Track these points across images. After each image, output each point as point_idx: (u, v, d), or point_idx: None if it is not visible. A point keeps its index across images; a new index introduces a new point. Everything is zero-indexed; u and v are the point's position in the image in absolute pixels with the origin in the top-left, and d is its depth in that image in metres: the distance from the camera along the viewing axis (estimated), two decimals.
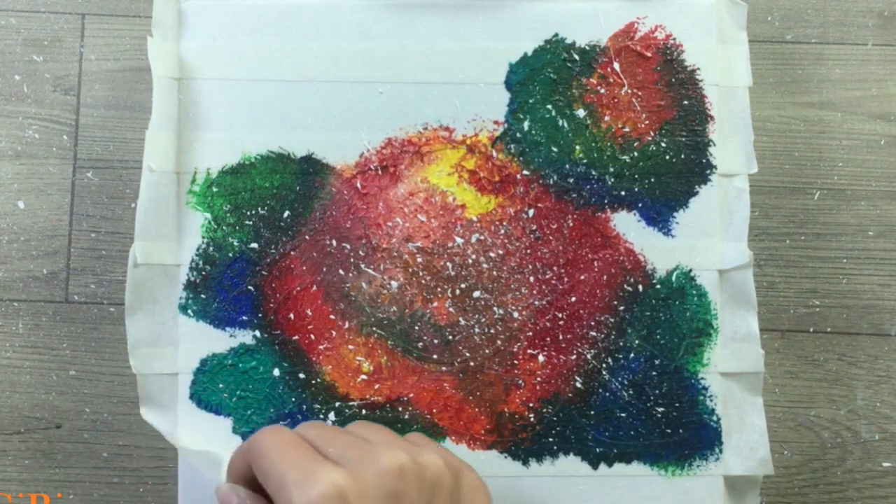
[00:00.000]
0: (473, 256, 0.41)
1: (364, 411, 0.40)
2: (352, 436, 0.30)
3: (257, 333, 0.40)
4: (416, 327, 0.41)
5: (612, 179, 0.42)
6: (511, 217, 0.41)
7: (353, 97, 0.42)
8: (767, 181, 0.44)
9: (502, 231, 0.41)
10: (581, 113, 0.42)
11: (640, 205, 0.42)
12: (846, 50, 0.45)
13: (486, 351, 0.41)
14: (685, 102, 0.42)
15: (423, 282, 0.41)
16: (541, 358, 0.41)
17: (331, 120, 0.42)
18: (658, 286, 0.41)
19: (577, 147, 0.42)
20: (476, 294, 0.41)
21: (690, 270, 0.41)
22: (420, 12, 0.42)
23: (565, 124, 0.42)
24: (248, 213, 0.41)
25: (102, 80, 0.45)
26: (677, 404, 0.41)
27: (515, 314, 0.41)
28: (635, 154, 0.42)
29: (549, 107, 0.42)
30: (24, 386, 0.43)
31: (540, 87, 0.42)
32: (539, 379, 0.41)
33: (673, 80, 0.42)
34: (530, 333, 0.41)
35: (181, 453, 0.39)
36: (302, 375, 0.40)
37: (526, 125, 0.42)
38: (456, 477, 0.29)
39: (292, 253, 0.41)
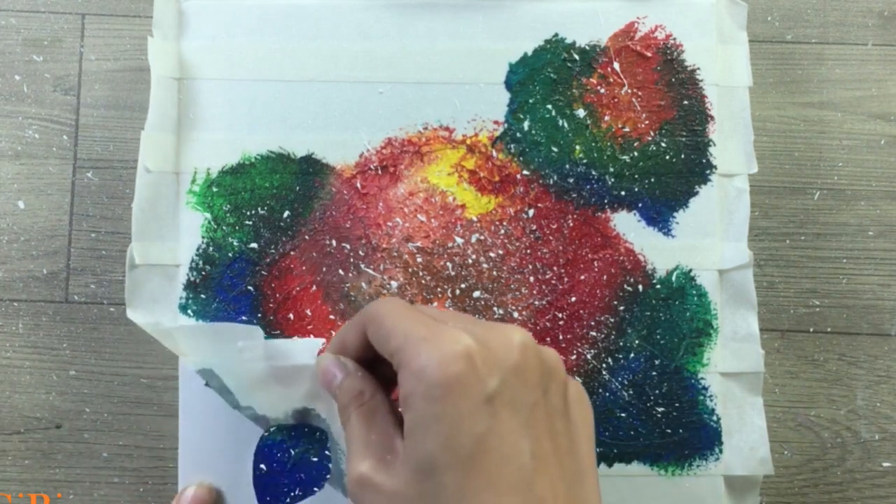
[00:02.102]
0: (473, 256, 0.41)
1: (321, 440, 0.40)
2: (472, 317, 0.30)
3: (212, 379, 0.40)
4: None
5: (612, 179, 0.42)
6: (511, 217, 0.41)
7: (353, 97, 0.42)
8: (767, 181, 0.44)
9: (502, 231, 0.41)
10: (581, 113, 0.42)
11: (640, 205, 0.42)
12: (846, 50, 0.45)
13: None
14: (685, 102, 0.42)
15: (423, 282, 0.41)
16: None
17: (331, 120, 0.42)
18: (658, 286, 0.41)
19: (577, 147, 0.42)
20: (476, 294, 0.41)
21: (690, 270, 0.41)
22: (420, 12, 0.42)
23: (565, 124, 0.42)
24: (248, 213, 0.41)
25: (102, 80, 0.45)
26: (677, 404, 0.41)
27: (515, 314, 0.41)
28: (635, 154, 0.42)
29: (549, 107, 0.42)
30: (24, 386, 0.43)
31: (540, 87, 0.42)
32: None
33: (673, 80, 0.42)
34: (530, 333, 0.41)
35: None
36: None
37: (526, 125, 0.42)
38: (567, 377, 0.29)
39: (292, 253, 0.41)
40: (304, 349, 0.37)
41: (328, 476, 0.39)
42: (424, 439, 0.25)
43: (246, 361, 0.37)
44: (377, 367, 0.32)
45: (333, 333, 0.40)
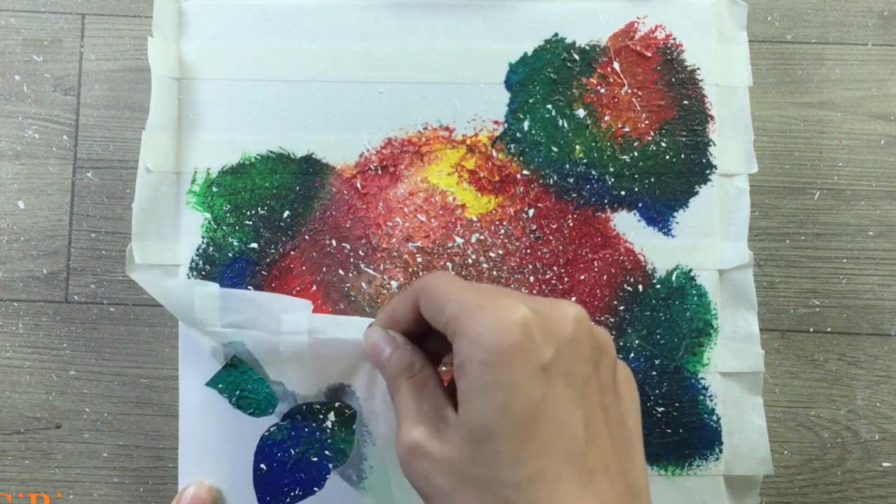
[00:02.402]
0: (473, 256, 0.41)
1: (348, 418, 0.40)
2: (525, 294, 0.30)
3: (236, 354, 0.40)
4: None
5: (612, 179, 0.42)
6: (511, 217, 0.41)
7: (353, 97, 0.42)
8: (767, 181, 0.44)
9: (502, 231, 0.41)
10: (581, 113, 0.42)
11: (640, 205, 0.42)
12: (846, 50, 0.45)
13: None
14: (685, 102, 0.42)
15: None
16: None
17: (331, 120, 0.42)
18: (658, 286, 0.41)
19: (577, 147, 0.42)
20: None
21: (690, 270, 0.41)
22: (420, 12, 0.42)
23: (565, 124, 0.42)
24: (248, 213, 0.41)
25: (102, 80, 0.45)
26: (677, 404, 0.40)
27: None
28: (635, 154, 0.42)
29: (549, 107, 0.42)
30: (24, 386, 0.43)
31: (540, 87, 0.42)
32: None
33: (673, 79, 0.42)
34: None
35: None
36: (291, 388, 0.40)
37: (526, 125, 0.42)
38: (616, 357, 0.29)
39: (292, 253, 0.41)
40: (351, 325, 0.36)
41: (346, 458, 0.39)
42: (480, 405, 0.25)
43: (285, 334, 0.37)
44: (424, 344, 0.32)
45: None
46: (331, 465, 0.39)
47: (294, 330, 0.37)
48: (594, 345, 0.28)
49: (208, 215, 0.41)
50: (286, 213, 0.41)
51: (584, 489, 0.25)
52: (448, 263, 0.41)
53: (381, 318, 0.33)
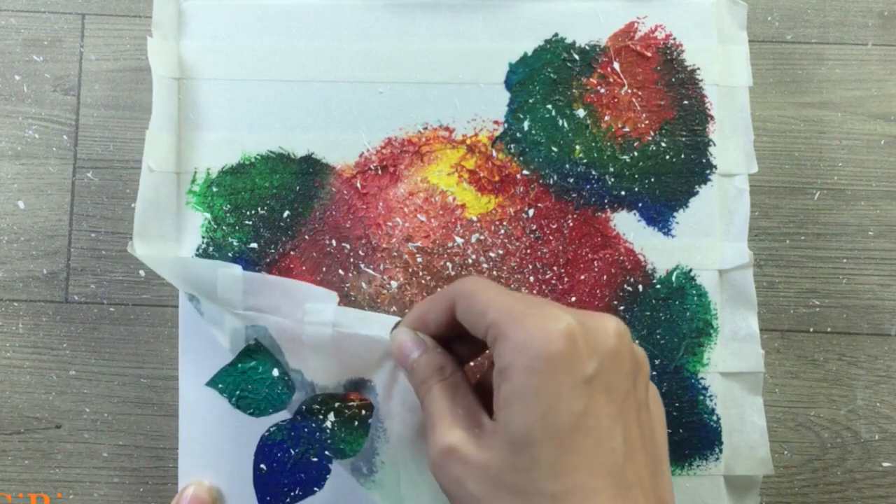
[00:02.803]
0: (473, 256, 0.41)
1: (364, 411, 0.40)
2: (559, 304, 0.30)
3: (257, 338, 0.40)
4: None
5: (612, 179, 0.42)
6: (511, 217, 0.41)
7: (353, 97, 0.42)
8: (767, 181, 0.44)
9: (502, 231, 0.41)
10: (581, 113, 0.42)
11: (640, 205, 0.42)
12: (846, 50, 0.45)
13: (487, 351, 0.41)
14: (685, 102, 0.42)
15: (423, 282, 0.41)
16: None
17: (331, 120, 0.42)
18: (658, 286, 0.41)
19: (577, 147, 0.42)
20: None
21: (690, 270, 0.41)
22: (420, 12, 0.42)
23: (565, 124, 0.42)
24: (248, 213, 0.41)
25: (102, 80, 0.45)
26: (677, 404, 0.40)
27: None
28: (635, 154, 0.42)
29: (549, 107, 0.42)
30: (24, 386, 0.43)
31: (540, 87, 0.42)
32: None
33: (673, 79, 0.42)
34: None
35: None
36: (294, 384, 0.40)
37: (526, 125, 0.42)
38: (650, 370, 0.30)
39: (292, 253, 0.41)
40: (376, 322, 0.36)
41: (358, 450, 0.39)
42: (522, 412, 0.25)
43: (309, 324, 0.37)
44: (451, 349, 0.32)
45: None
46: (341, 458, 0.39)
47: (318, 321, 0.37)
48: (633, 360, 0.28)
49: (208, 215, 0.41)
50: (286, 213, 0.41)
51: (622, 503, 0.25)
52: (448, 263, 0.41)
53: (409, 320, 0.33)
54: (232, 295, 0.38)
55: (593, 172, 0.42)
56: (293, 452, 0.40)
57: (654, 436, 0.28)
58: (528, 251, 0.41)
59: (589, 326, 0.27)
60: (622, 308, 0.41)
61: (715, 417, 0.40)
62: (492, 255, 0.41)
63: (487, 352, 0.35)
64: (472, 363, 0.37)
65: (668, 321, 0.41)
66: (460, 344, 0.32)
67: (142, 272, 0.43)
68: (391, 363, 0.36)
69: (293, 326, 0.37)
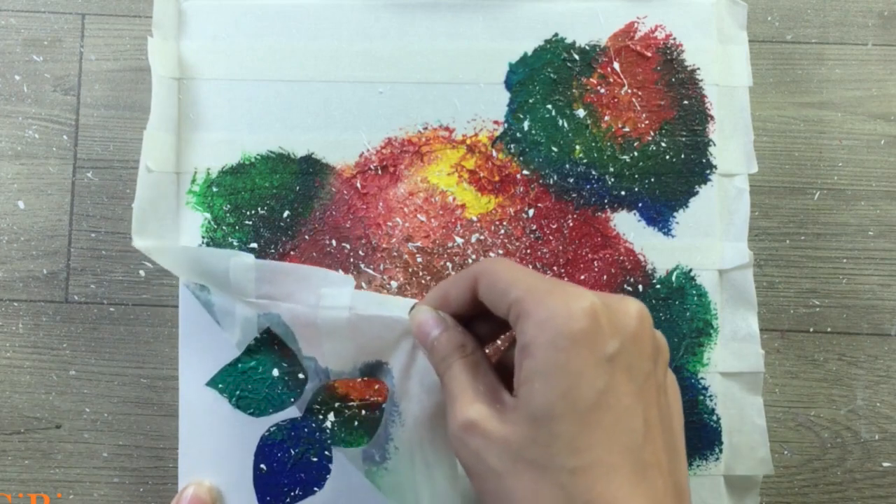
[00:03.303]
0: (473, 256, 0.41)
1: (364, 411, 0.40)
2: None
3: (264, 332, 0.40)
4: None
5: (612, 179, 0.42)
6: (511, 217, 0.41)
7: (353, 97, 0.42)
8: (767, 181, 0.44)
9: (502, 231, 0.41)
10: (581, 113, 0.42)
11: (640, 205, 0.42)
12: (846, 50, 0.45)
13: (506, 334, 0.41)
14: (685, 102, 0.42)
15: (422, 282, 0.41)
16: None
17: (331, 120, 0.42)
18: (658, 286, 0.41)
19: (577, 147, 0.42)
20: None
21: (690, 270, 0.41)
22: (420, 12, 0.42)
23: (565, 124, 0.42)
24: (248, 213, 0.41)
25: (102, 80, 0.45)
26: None
27: None
28: (635, 154, 0.42)
29: (549, 107, 0.42)
30: (24, 386, 0.43)
31: (540, 87, 0.42)
32: None
33: (673, 79, 0.42)
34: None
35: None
36: (301, 376, 0.40)
37: (526, 125, 0.42)
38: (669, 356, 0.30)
39: (292, 253, 0.41)
40: (394, 304, 0.36)
41: (370, 438, 0.39)
42: (544, 387, 0.25)
43: (324, 308, 0.37)
44: (472, 329, 0.32)
45: None
46: (352, 447, 0.39)
47: (334, 305, 0.37)
48: (654, 343, 0.28)
49: (208, 215, 0.41)
50: (286, 213, 0.41)
51: (638, 483, 0.25)
52: (448, 263, 0.41)
53: (430, 299, 0.33)
54: (245, 283, 0.38)
55: (593, 172, 0.42)
56: (293, 452, 0.40)
57: (671, 421, 0.28)
58: (528, 251, 0.41)
59: (612, 307, 0.27)
60: None
61: (715, 417, 0.40)
62: (492, 255, 0.41)
63: (506, 334, 0.36)
64: (491, 344, 0.37)
65: (668, 321, 0.41)
66: (480, 324, 0.32)
67: (142, 272, 0.43)
68: (409, 344, 0.35)
69: (308, 312, 0.37)
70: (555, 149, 0.42)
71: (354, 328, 0.36)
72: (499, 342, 0.40)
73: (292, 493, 0.40)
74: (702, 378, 0.41)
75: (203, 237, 0.41)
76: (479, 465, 0.27)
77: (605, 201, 0.42)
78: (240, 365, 0.40)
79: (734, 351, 0.41)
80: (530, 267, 0.41)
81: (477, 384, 0.29)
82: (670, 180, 0.42)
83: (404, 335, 0.35)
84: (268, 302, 0.38)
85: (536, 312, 0.26)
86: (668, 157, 0.42)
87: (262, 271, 0.38)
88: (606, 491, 0.25)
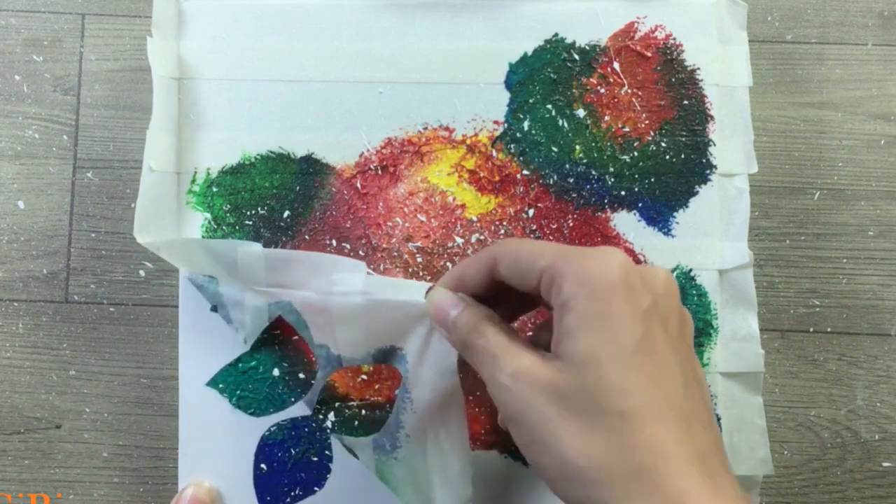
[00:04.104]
0: None
1: (364, 411, 0.40)
2: None
3: (281, 313, 0.40)
4: None
5: (612, 179, 0.42)
6: (511, 217, 0.41)
7: (353, 97, 0.42)
8: (767, 181, 0.44)
9: (502, 231, 0.41)
10: (581, 113, 0.42)
11: (640, 205, 0.42)
12: (846, 50, 0.45)
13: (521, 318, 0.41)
14: (685, 102, 0.42)
15: (423, 282, 0.41)
16: None
17: (331, 120, 0.42)
18: None
19: (577, 147, 0.42)
20: None
21: (690, 270, 0.41)
22: (420, 12, 0.42)
23: (565, 124, 0.42)
24: (248, 213, 0.41)
25: (102, 80, 0.45)
26: None
27: None
28: (635, 154, 0.42)
29: (549, 107, 0.42)
30: (24, 386, 0.43)
31: (540, 87, 0.42)
32: None
33: (673, 79, 0.42)
34: (531, 333, 0.41)
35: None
36: (302, 375, 0.40)
37: (526, 125, 0.42)
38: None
39: None
40: (408, 287, 0.36)
41: (380, 426, 0.38)
42: (588, 335, 0.26)
43: (337, 294, 0.37)
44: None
45: None
46: (363, 436, 0.39)
47: (348, 290, 0.36)
48: (681, 311, 0.29)
49: (208, 215, 0.41)
50: (286, 213, 0.41)
51: (684, 431, 0.25)
52: (448, 263, 0.41)
53: (446, 280, 0.33)
54: (255, 272, 0.37)
55: (593, 172, 0.42)
56: (293, 452, 0.40)
57: (701, 385, 0.29)
58: None
59: (642, 268, 0.28)
60: None
61: (715, 417, 0.40)
62: None
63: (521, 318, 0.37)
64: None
65: None
66: (497, 307, 0.32)
67: (142, 272, 0.43)
68: (424, 328, 0.35)
69: (320, 299, 0.37)
70: (555, 149, 0.42)
71: (368, 313, 0.36)
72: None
73: (292, 493, 0.40)
74: None
75: (203, 237, 0.41)
76: (528, 412, 0.27)
77: (605, 201, 0.42)
78: (240, 365, 0.40)
79: (734, 351, 0.41)
80: None
81: (516, 340, 0.29)
82: (670, 180, 0.42)
83: (419, 319, 0.35)
84: (279, 290, 0.38)
85: (572, 271, 0.27)
86: (668, 157, 0.42)
87: (272, 260, 0.37)
88: (656, 435, 0.25)
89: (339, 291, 0.36)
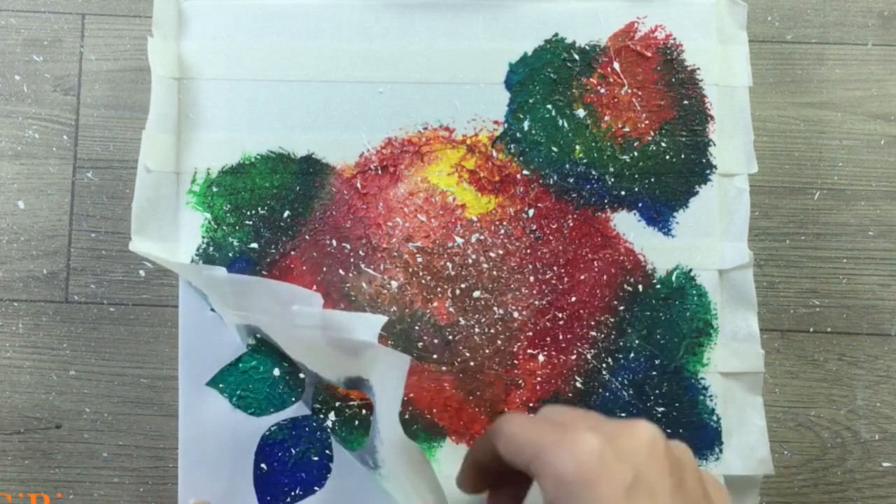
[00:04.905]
0: (473, 256, 0.41)
1: (364, 411, 0.40)
2: (599, 415, 0.31)
3: (257, 335, 0.40)
4: (416, 327, 0.41)
5: (612, 179, 0.42)
6: (511, 217, 0.41)
7: (353, 97, 0.42)
8: (767, 181, 0.44)
9: (502, 231, 0.41)
10: (581, 113, 0.42)
11: (640, 205, 0.42)
12: (846, 50, 0.45)
13: (486, 351, 0.41)
14: (685, 102, 0.42)
15: (423, 282, 0.41)
16: (541, 358, 0.41)
17: (331, 120, 0.42)
18: (658, 286, 0.41)
19: (577, 147, 0.42)
20: (476, 294, 0.41)
21: (690, 270, 0.41)
22: (420, 12, 0.42)
23: (565, 124, 0.42)
24: (248, 213, 0.41)
25: (102, 80, 0.45)
26: (677, 404, 0.40)
27: (515, 314, 0.41)
28: (635, 154, 0.42)
29: (549, 107, 0.42)
30: (24, 386, 0.43)
31: (540, 87, 0.42)
32: (539, 379, 0.41)
33: (673, 79, 0.42)
34: (530, 333, 0.41)
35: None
36: (302, 375, 0.40)
37: (526, 125, 0.42)
38: (699, 468, 0.30)
39: (292, 253, 0.41)
40: (364, 325, 0.36)
41: (363, 445, 0.39)
42: None
43: (299, 327, 0.37)
44: (508, 476, 0.32)
45: None
46: (350, 450, 0.39)
47: (307, 324, 0.37)
48: (672, 460, 0.28)
49: (208, 215, 0.41)
50: (286, 213, 0.41)
51: None
52: (448, 263, 0.41)
53: (465, 464, 0.33)
54: (224, 295, 0.38)
55: (593, 172, 0.42)
56: (294, 452, 0.40)
57: None
58: (528, 251, 0.41)
59: (619, 440, 0.28)
60: (622, 308, 0.41)
61: (715, 417, 0.40)
62: (492, 255, 0.41)
63: None
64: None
65: (668, 321, 0.41)
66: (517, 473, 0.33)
67: (142, 272, 0.43)
68: (381, 367, 0.35)
69: (285, 328, 0.37)
70: (555, 149, 0.42)
71: (331, 345, 0.37)
72: None
73: (293, 493, 0.40)
74: (702, 378, 0.41)
75: (203, 237, 0.41)
76: None
77: (605, 201, 0.42)
78: (240, 365, 0.40)
79: (734, 351, 0.41)
80: (530, 267, 0.41)
81: None
82: (670, 180, 0.42)
83: (375, 358, 0.35)
84: (247, 314, 0.38)
85: (548, 469, 0.27)
86: (668, 157, 0.42)
87: (235, 285, 0.38)
88: None
89: (300, 324, 0.37)
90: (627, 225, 0.42)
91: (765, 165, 0.44)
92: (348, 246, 0.41)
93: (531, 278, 0.41)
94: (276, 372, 0.40)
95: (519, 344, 0.41)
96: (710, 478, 0.30)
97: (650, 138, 0.42)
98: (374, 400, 0.37)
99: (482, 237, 0.41)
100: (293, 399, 0.40)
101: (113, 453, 0.43)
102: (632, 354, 0.41)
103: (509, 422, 0.31)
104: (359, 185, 0.42)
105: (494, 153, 0.42)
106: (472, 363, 0.41)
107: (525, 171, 0.42)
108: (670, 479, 0.27)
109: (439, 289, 0.41)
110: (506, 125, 0.42)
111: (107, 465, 0.43)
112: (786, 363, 0.43)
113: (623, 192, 0.42)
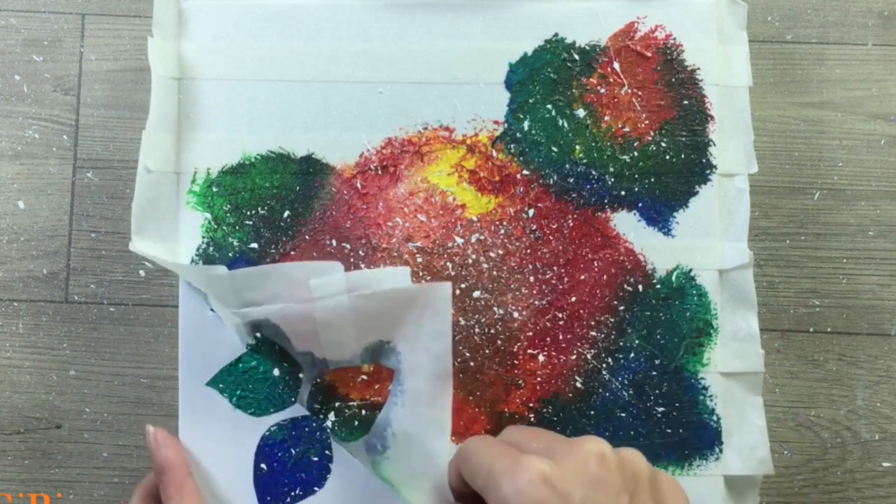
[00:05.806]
0: (473, 256, 0.41)
1: (364, 411, 0.40)
2: (553, 434, 0.32)
3: (257, 333, 0.40)
4: None
5: (612, 179, 0.42)
6: (511, 217, 0.42)
7: (353, 97, 0.42)
8: (767, 181, 0.44)
9: (502, 231, 0.41)
10: (581, 113, 0.42)
11: (640, 205, 0.42)
12: (846, 50, 0.45)
13: (486, 351, 0.41)
14: (685, 102, 0.42)
15: (423, 282, 0.41)
16: (541, 358, 0.41)
17: (331, 120, 0.42)
18: (658, 286, 0.41)
19: (577, 147, 0.42)
20: (476, 294, 0.41)
21: (690, 270, 0.41)
22: (420, 12, 0.42)
23: (565, 124, 0.42)
24: (248, 213, 0.41)
25: (102, 80, 0.45)
26: (677, 404, 0.41)
27: (515, 314, 0.41)
28: (635, 154, 0.42)
29: (549, 107, 0.42)
30: (24, 386, 0.43)
31: (540, 87, 0.42)
32: (539, 379, 0.41)
33: (673, 79, 0.42)
34: (530, 333, 0.41)
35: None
36: (302, 375, 0.40)
37: (526, 125, 0.42)
38: (653, 472, 0.30)
39: (292, 253, 0.41)
40: (391, 276, 0.36)
41: (370, 427, 0.39)
42: None
43: (320, 299, 0.37)
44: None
45: None
46: (354, 440, 0.39)
47: (330, 293, 0.37)
48: (623, 474, 0.29)
49: (208, 215, 0.41)
50: (286, 213, 0.41)
51: None
52: (448, 263, 0.41)
53: (448, 486, 0.34)
54: (224, 295, 0.38)
55: (593, 172, 0.42)
56: (294, 452, 0.40)
57: None
58: (528, 251, 0.41)
59: (566, 462, 0.28)
60: (622, 308, 0.41)
61: (715, 417, 0.40)
62: (492, 255, 0.41)
63: None
64: None
65: (668, 321, 0.41)
66: None
67: (142, 272, 0.43)
68: (414, 314, 0.35)
69: (301, 308, 0.37)
70: (555, 149, 0.42)
71: (356, 311, 0.36)
72: None
73: (292, 493, 0.40)
74: (702, 378, 0.41)
75: (203, 237, 0.41)
76: None
77: (605, 201, 0.42)
78: (240, 365, 0.40)
79: (734, 351, 0.41)
80: (530, 267, 0.41)
81: None
82: (670, 180, 0.42)
83: (408, 305, 0.35)
84: (250, 310, 0.38)
85: (496, 497, 0.28)
86: (668, 157, 0.42)
87: (240, 280, 0.38)
88: None
89: (321, 296, 0.37)
90: (627, 225, 0.42)
91: (765, 165, 0.44)
92: (348, 246, 0.41)
93: (531, 278, 0.41)
94: (276, 372, 0.40)
95: (519, 344, 0.41)
96: (665, 478, 0.30)
97: (650, 138, 0.42)
98: (397, 363, 0.37)
99: (482, 237, 0.41)
100: (293, 399, 0.40)
101: (113, 453, 0.43)
102: (632, 354, 0.41)
103: (468, 446, 0.31)
104: (359, 185, 0.42)
105: (494, 153, 0.42)
106: (472, 363, 0.41)
107: (525, 171, 0.42)
108: (620, 496, 0.28)
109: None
110: (506, 125, 0.42)
111: (107, 465, 0.43)
112: (786, 363, 0.43)
113: (623, 192, 0.42)
